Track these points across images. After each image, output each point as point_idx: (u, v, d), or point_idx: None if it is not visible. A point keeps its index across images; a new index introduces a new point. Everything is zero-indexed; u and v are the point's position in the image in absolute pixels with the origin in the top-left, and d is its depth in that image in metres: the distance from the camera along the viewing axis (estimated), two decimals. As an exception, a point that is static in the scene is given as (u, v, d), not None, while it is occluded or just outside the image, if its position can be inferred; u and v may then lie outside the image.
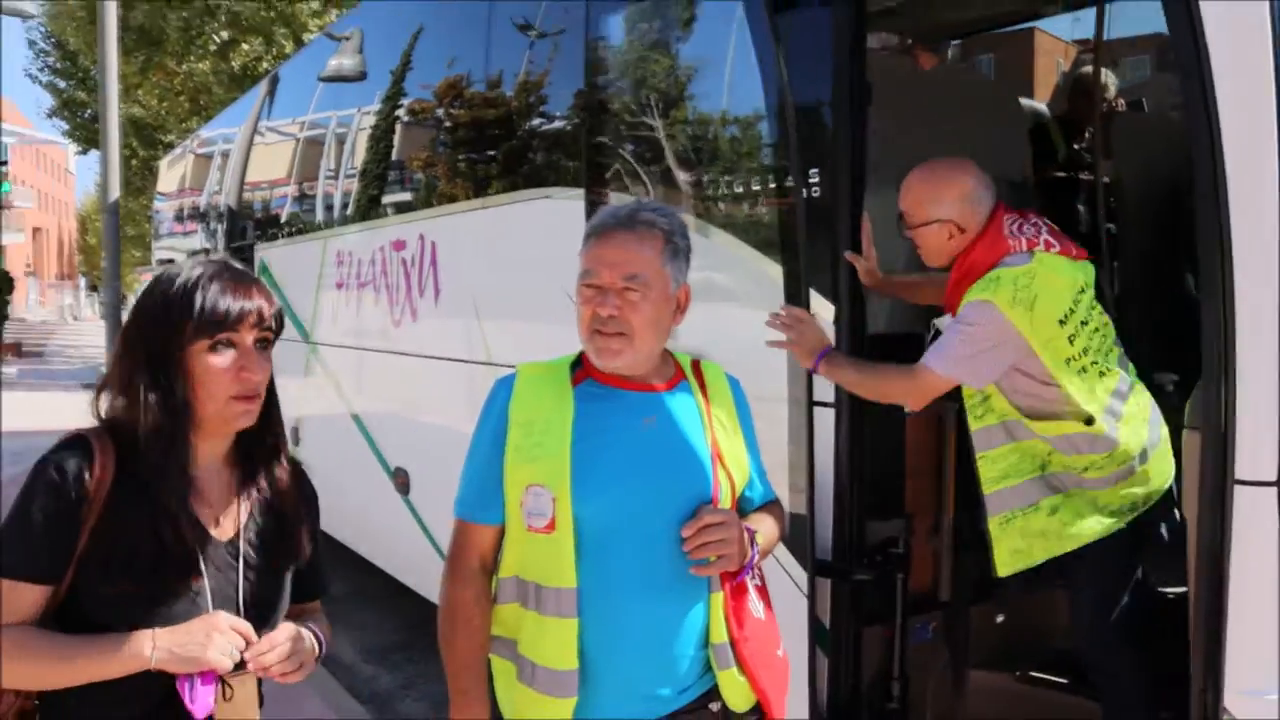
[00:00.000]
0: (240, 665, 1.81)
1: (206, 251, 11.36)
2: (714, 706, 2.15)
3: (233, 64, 22.50)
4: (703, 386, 2.21)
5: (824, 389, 2.96)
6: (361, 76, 7.29)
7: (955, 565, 3.39)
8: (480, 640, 2.14)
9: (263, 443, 1.98)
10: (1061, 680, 3.46)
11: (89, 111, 28.52)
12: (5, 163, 36.43)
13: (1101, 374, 2.86)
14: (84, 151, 32.52)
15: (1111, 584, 3.02)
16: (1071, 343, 2.79)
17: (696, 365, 2.26)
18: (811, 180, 3.02)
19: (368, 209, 6.71)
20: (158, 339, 1.85)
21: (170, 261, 13.42)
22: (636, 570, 2.06)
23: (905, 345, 3.47)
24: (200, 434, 1.89)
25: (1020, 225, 2.89)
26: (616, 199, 3.83)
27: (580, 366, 2.17)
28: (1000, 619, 3.58)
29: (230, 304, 1.85)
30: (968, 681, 3.44)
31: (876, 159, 3.10)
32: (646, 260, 2.07)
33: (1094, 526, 2.91)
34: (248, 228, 9.84)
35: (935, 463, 3.34)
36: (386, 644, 6.22)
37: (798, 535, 2.96)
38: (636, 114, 3.86)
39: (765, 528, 2.22)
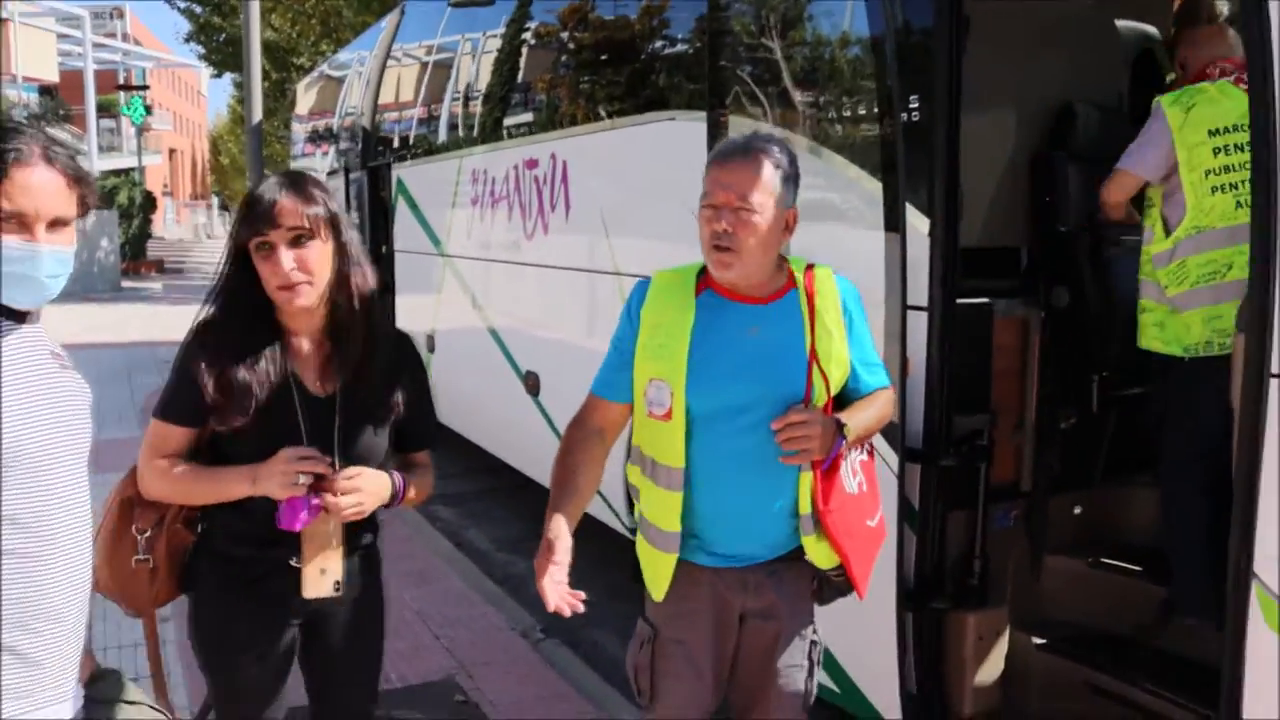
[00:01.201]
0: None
1: (343, 171, 11.93)
2: (805, 560, 2.59)
3: (362, -13, 23.04)
4: (810, 293, 2.55)
5: (917, 294, 3.31)
6: (490, 1, 7.69)
7: (1036, 459, 3.72)
8: (577, 466, 2.56)
9: (349, 319, 2.43)
10: (1132, 567, 3.77)
11: (223, 35, 29.42)
12: (146, 87, 37.89)
13: (1237, 205, 3.32)
14: (218, 75, 33.59)
15: (1195, 411, 3.45)
16: (1215, 155, 3.34)
17: (810, 271, 2.59)
18: (911, 105, 3.35)
19: (501, 130, 7.14)
20: (234, 238, 2.37)
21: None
22: (736, 454, 2.48)
23: (997, 258, 3.79)
24: (283, 313, 2.40)
25: (1223, 70, 3.56)
26: (736, 121, 4.18)
27: (703, 276, 2.56)
28: (1077, 510, 3.90)
29: (264, 209, 2.32)
30: (1044, 565, 3.78)
31: (974, 85, 3.40)
32: (758, 184, 2.42)
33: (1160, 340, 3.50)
34: (384, 147, 10.35)
35: (1020, 365, 3.66)
36: (516, 534, 6.78)
37: (890, 425, 3.34)
38: (754, 37, 4.20)
39: (862, 415, 2.56)
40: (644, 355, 2.51)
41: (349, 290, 2.41)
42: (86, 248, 24.97)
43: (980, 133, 3.57)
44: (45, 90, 41.18)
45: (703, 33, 4.61)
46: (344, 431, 2.40)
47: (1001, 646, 3.60)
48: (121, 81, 40.82)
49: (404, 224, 9.35)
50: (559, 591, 2.35)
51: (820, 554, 2.56)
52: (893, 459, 3.37)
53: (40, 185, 1.91)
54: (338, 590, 2.41)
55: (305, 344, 2.43)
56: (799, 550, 2.58)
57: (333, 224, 2.37)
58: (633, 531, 2.69)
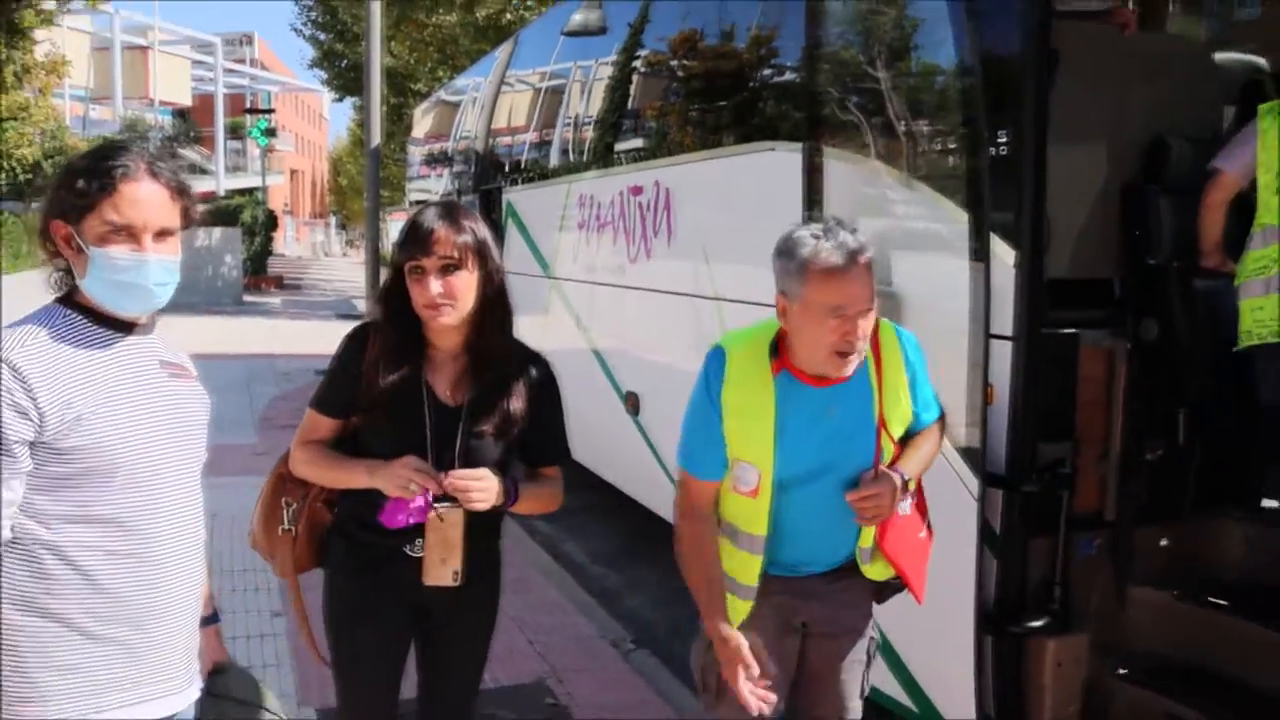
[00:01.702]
0: (439, 499, 2.53)
1: (456, 193, 12.30)
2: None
3: (477, 15, 23.62)
4: (877, 355, 2.67)
5: (1001, 322, 3.39)
6: (603, 30, 7.93)
7: (1121, 489, 3.74)
8: (712, 562, 2.71)
9: (488, 339, 2.66)
10: (1220, 602, 3.76)
11: (345, 61, 30.42)
12: (271, 110, 39.26)
13: None
14: (339, 99, 34.76)
15: None
16: None
17: (875, 334, 2.66)
18: (999, 139, 3.44)
19: (609, 156, 7.36)
20: (393, 260, 2.64)
21: (421, 203, 14.52)
22: (809, 513, 2.68)
23: (1086, 290, 3.84)
24: (428, 330, 2.63)
25: None
26: (830, 152, 4.30)
27: (776, 354, 2.66)
28: (1164, 542, 3.90)
29: (422, 236, 2.56)
30: (1129, 595, 3.80)
31: (1064, 118, 3.48)
32: (872, 288, 2.54)
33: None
34: (496, 171, 10.67)
35: (1106, 395, 3.69)
36: (613, 549, 6.95)
37: (971, 450, 3.43)
38: (848, 72, 4.32)
39: (917, 460, 2.74)
40: (731, 440, 2.65)
41: (491, 313, 2.64)
42: (211, 263, 25.98)
43: (1070, 165, 3.63)
44: (179, 113, 42.98)
45: (799, 66, 4.75)
46: (466, 440, 2.61)
47: (1081, 673, 3.63)
48: (249, 105, 42.36)
49: (514, 246, 9.62)
50: (759, 694, 2.53)
51: (877, 572, 2.76)
52: (973, 484, 3.45)
53: (146, 198, 2.06)
54: (456, 580, 2.61)
55: (444, 357, 2.67)
56: (856, 564, 2.76)
57: (480, 252, 2.59)
58: None
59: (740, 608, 2.74)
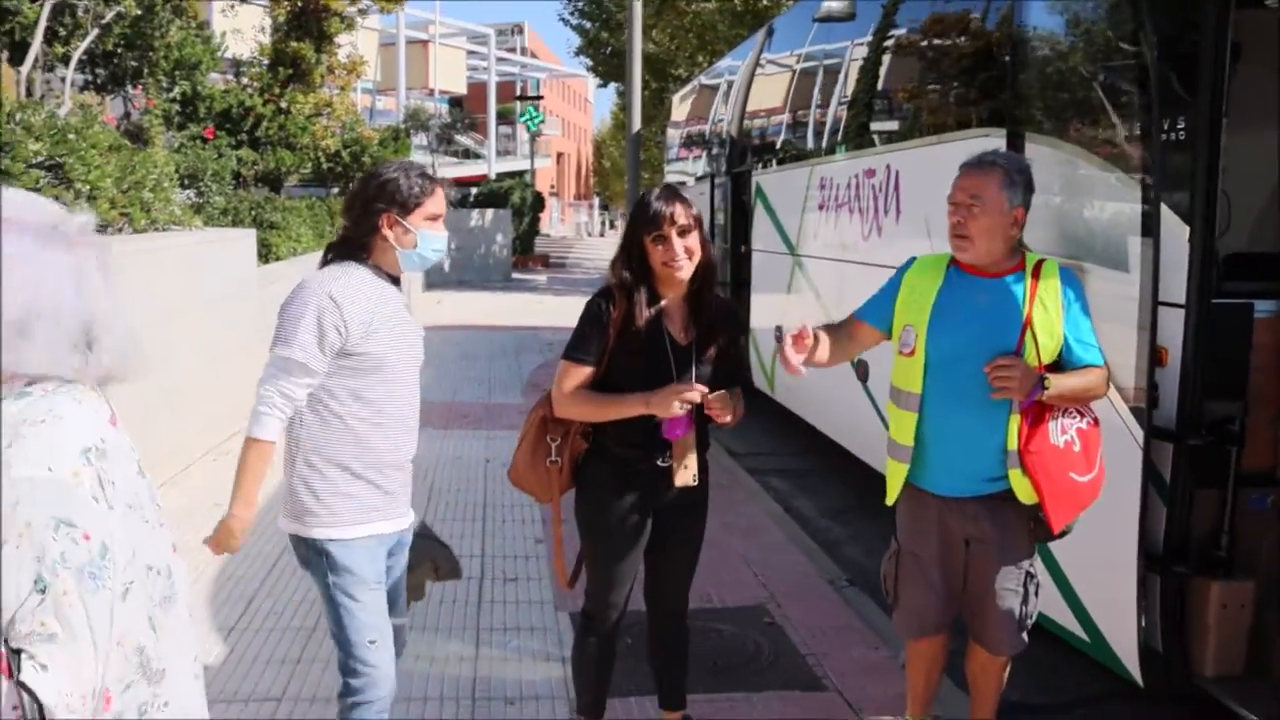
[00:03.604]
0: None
1: (710, 176, 12.98)
2: (1018, 501, 3.27)
3: (735, 2, 24.21)
4: (1036, 277, 3.24)
5: (1172, 290, 3.76)
6: (851, 17, 8.41)
7: (1297, 449, 4.02)
8: (829, 332, 3.45)
9: (701, 292, 3.35)
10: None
11: (609, 49, 31.63)
12: (540, 97, 41.11)
13: None
14: (604, 85, 36.05)
15: None
16: None
17: (1039, 263, 3.30)
18: (1178, 123, 3.80)
19: (847, 143, 7.87)
20: (631, 233, 3.32)
21: (679, 185, 15.28)
22: (958, 392, 3.23)
23: (1264, 263, 4.13)
24: (661, 285, 3.31)
25: None
26: (1032, 136, 4.72)
27: (954, 259, 3.34)
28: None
29: (658, 212, 3.25)
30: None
31: (1246, 102, 3.80)
32: (986, 188, 3.17)
33: None
34: (746, 155, 11.29)
35: (1279, 358, 3.98)
36: (840, 505, 7.50)
37: (1138, 409, 3.83)
38: (1046, 65, 4.72)
39: (1067, 381, 3.21)
40: (901, 308, 3.35)
41: (706, 269, 3.32)
42: (484, 242, 27.74)
43: (1251, 147, 3.95)
44: (455, 101, 45.52)
45: (1006, 60, 5.17)
46: (698, 369, 3.30)
47: (1247, 619, 3.94)
48: (519, 92, 44.38)
49: (761, 226, 10.25)
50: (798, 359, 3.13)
51: (1023, 489, 3.22)
52: (1140, 436, 3.84)
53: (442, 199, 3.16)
54: (695, 481, 3.33)
55: (674, 306, 3.34)
56: (1011, 491, 3.24)
57: (699, 222, 3.30)
58: None
59: (896, 473, 3.37)
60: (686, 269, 3.24)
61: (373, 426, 3.04)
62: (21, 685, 1.45)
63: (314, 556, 3.06)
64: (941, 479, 3.32)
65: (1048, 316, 3.22)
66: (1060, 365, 3.24)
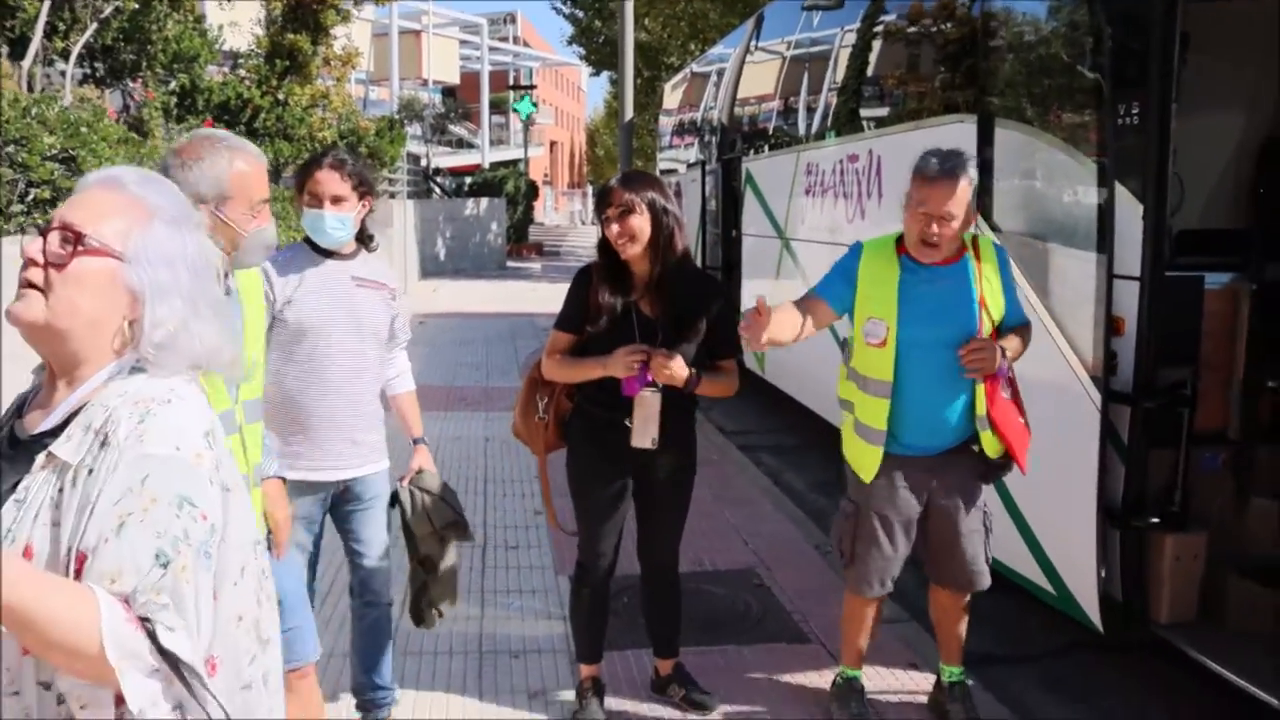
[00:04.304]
0: (648, 385, 3.49)
1: (701, 163, 13.24)
2: (975, 448, 3.60)
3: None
4: (977, 255, 3.56)
5: (1128, 264, 4.04)
6: (840, 5, 8.67)
7: (1244, 412, 4.31)
8: (790, 311, 3.61)
9: (666, 266, 3.57)
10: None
11: (602, 37, 31.84)
12: (533, 86, 41.32)
13: None
14: (596, 73, 36.26)
15: None
16: None
17: (975, 240, 3.61)
18: (1133, 111, 4.08)
19: (831, 130, 8.16)
20: (596, 216, 3.67)
21: (671, 172, 15.54)
22: (928, 371, 3.51)
23: (1213, 239, 4.41)
24: (631, 261, 3.56)
25: None
26: (1002, 123, 5.00)
27: (899, 244, 3.61)
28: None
29: (604, 195, 3.59)
30: (1249, 506, 4.36)
31: (1194, 88, 4.08)
32: (956, 200, 3.42)
33: None
34: (736, 142, 11.56)
35: (1229, 329, 4.26)
36: (827, 479, 7.71)
37: (1094, 375, 4.12)
38: (1008, 53, 5.00)
39: (1013, 343, 3.57)
40: (864, 300, 3.58)
41: (665, 247, 3.56)
42: (478, 231, 27.98)
43: (1200, 131, 4.23)
44: (448, 91, 45.61)
45: (975, 51, 5.46)
46: (665, 342, 3.55)
47: (1199, 569, 4.23)
48: (512, 81, 44.52)
49: (751, 211, 10.52)
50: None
51: (990, 444, 3.55)
52: (1098, 399, 4.12)
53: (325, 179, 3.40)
54: (654, 445, 3.56)
55: (641, 282, 3.60)
56: (966, 443, 3.59)
57: (647, 203, 3.54)
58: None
59: (871, 455, 3.62)
60: (630, 248, 3.51)
61: (297, 381, 3.40)
62: (159, 648, 1.50)
63: None
64: (910, 445, 3.61)
65: (992, 291, 3.56)
66: (999, 329, 3.58)
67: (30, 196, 6.41)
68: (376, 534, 3.62)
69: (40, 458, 1.59)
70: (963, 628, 3.93)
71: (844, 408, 3.79)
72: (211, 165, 2.51)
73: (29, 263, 1.63)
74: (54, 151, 6.64)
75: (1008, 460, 3.62)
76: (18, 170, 6.08)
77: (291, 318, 3.36)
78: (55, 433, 1.61)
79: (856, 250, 3.71)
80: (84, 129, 7.12)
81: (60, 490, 1.56)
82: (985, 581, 3.80)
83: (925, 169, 3.50)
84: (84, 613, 1.44)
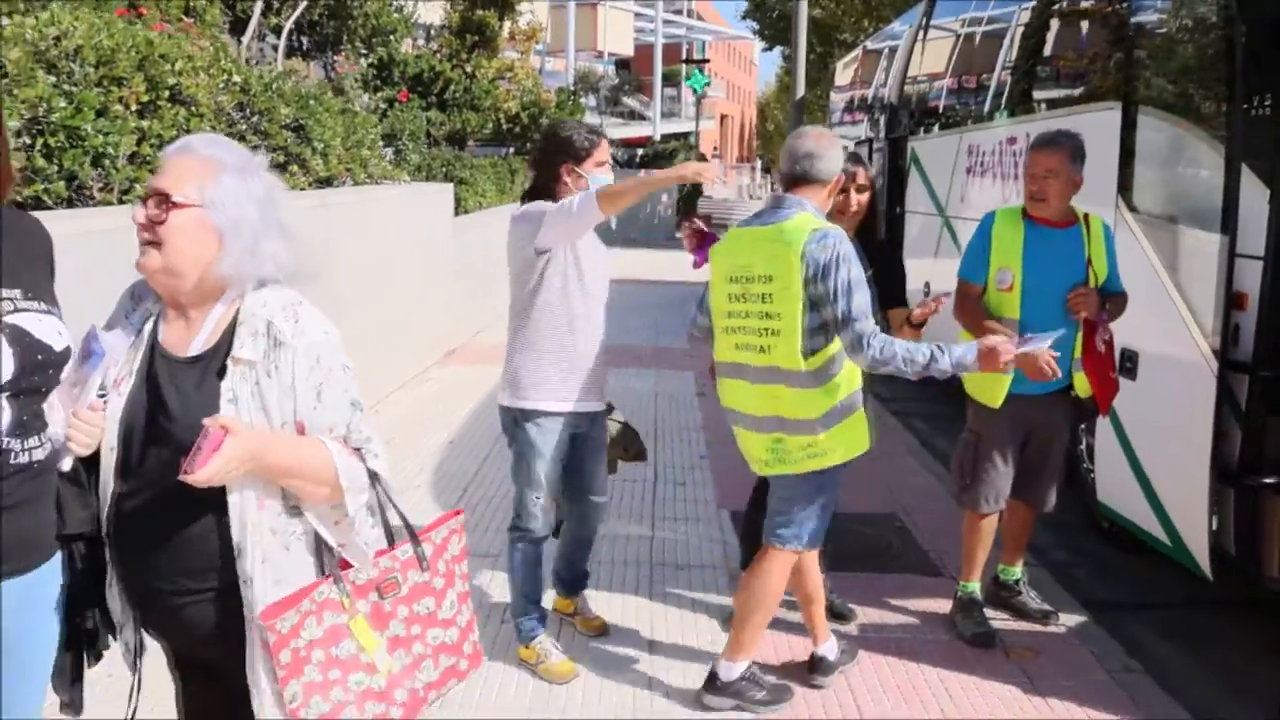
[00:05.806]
0: None
1: (869, 141, 13.59)
2: (1071, 393, 4.31)
3: (904, -33, 24.45)
4: (1088, 227, 4.28)
5: (1253, 244, 4.42)
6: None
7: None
8: (980, 312, 4.32)
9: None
10: None
11: (775, 12, 32.13)
12: (706, 60, 41.77)
13: None
14: (769, 48, 36.54)
15: None
16: None
17: (1087, 216, 4.33)
18: (1265, 101, 4.46)
19: (995, 112, 8.54)
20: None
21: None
22: (1045, 312, 4.15)
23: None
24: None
25: None
26: (1145, 110, 5.38)
27: (1026, 211, 4.33)
28: None
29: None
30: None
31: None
32: (1057, 163, 4.15)
33: None
34: (904, 121, 11.92)
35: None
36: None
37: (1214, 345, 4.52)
38: (1152, 46, 5.38)
39: (1112, 303, 4.26)
40: (995, 256, 4.29)
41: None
42: (650, 202, 28.74)
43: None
44: (622, 63, 46.41)
45: (1123, 40, 5.85)
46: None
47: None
48: (685, 54, 44.97)
49: (914, 189, 10.93)
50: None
51: (1081, 384, 4.29)
52: (1215, 368, 4.51)
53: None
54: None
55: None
56: (1066, 388, 4.28)
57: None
58: None
59: (1000, 385, 4.24)
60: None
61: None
62: (370, 471, 2.16)
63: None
64: (1025, 382, 4.13)
65: (1098, 256, 4.29)
66: (1100, 290, 4.26)
67: (269, 160, 7.30)
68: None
69: (229, 363, 2.08)
70: (1025, 537, 4.77)
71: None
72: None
73: (140, 226, 2.08)
74: (288, 121, 7.53)
75: (1095, 403, 4.32)
76: (260, 138, 6.96)
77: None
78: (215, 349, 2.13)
79: (989, 217, 4.45)
80: (312, 101, 8.02)
81: (257, 383, 2.07)
82: (1052, 505, 4.61)
83: (1036, 139, 4.42)
84: (322, 455, 2.10)
